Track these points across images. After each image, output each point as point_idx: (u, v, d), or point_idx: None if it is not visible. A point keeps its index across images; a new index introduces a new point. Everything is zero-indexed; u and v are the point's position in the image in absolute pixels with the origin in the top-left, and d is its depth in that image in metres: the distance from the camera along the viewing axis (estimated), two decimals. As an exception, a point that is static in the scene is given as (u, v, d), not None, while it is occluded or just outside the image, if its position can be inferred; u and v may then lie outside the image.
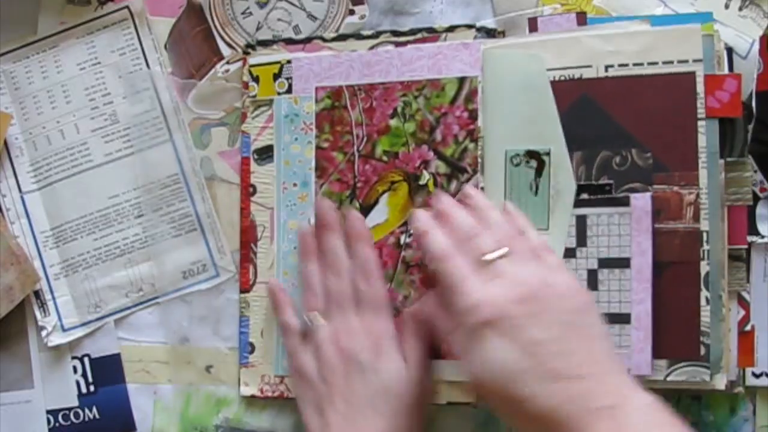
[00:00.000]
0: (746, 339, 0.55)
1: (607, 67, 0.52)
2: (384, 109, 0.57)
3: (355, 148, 0.58)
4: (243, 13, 0.60)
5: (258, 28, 0.60)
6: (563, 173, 0.53)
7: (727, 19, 0.57)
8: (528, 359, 0.42)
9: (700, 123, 0.51)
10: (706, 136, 0.51)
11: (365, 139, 0.58)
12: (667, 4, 0.58)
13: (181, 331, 0.60)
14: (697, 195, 0.51)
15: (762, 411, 0.56)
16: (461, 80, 0.56)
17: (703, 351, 0.51)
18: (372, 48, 0.58)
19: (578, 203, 0.53)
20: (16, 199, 0.60)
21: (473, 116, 0.55)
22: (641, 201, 0.51)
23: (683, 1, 0.58)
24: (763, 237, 0.55)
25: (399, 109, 0.57)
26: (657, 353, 0.51)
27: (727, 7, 0.57)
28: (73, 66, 0.61)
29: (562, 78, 0.53)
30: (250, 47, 0.60)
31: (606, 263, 0.52)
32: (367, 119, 0.58)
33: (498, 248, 0.46)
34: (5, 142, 0.60)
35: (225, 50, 0.60)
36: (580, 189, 0.52)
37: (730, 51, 0.55)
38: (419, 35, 0.58)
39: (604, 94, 0.52)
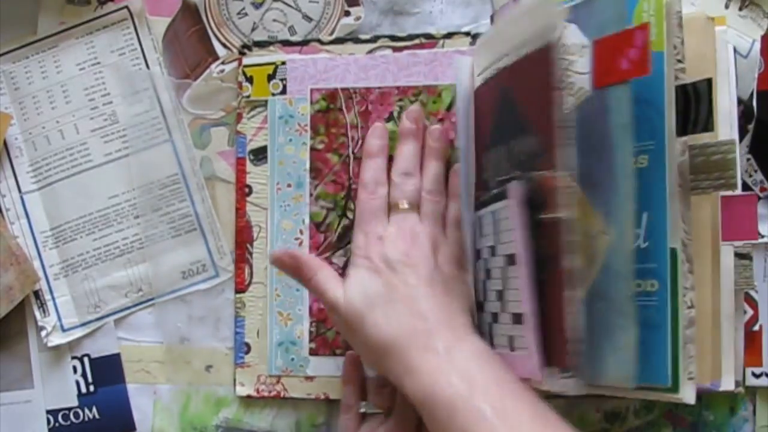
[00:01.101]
0: (753, 339, 0.54)
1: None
2: (380, 113, 0.58)
3: (350, 150, 0.58)
4: (238, 14, 0.60)
5: (253, 29, 0.60)
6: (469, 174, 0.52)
7: (728, 19, 0.57)
8: (386, 293, 0.49)
9: (555, 93, 0.44)
10: (614, 107, 0.43)
11: (360, 141, 0.58)
12: (667, 3, 0.58)
13: (181, 331, 0.60)
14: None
15: (762, 411, 0.56)
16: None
17: (569, 361, 0.44)
18: (369, 52, 0.58)
19: (480, 205, 0.51)
20: (15, 199, 0.60)
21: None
22: (513, 191, 0.46)
23: (683, 2, 0.58)
24: (763, 237, 0.55)
25: (395, 114, 0.58)
26: (549, 360, 0.45)
27: (727, 7, 0.57)
28: (73, 66, 0.61)
29: (489, 75, 0.51)
30: (246, 48, 0.60)
31: (508, 261, 0.47)
32: (362, 122, 0.58)
33: (407, 202, 0.53)
34: (5, 143, 0.60)
35: (220, 50, 0.60)
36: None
37: (733, 50, 0.55)
38: (417, 41, 0.58)
39: (509, 83, 0.49)
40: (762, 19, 0.57)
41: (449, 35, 0.58)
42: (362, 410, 0.55)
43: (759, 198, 0.56)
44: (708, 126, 0.44)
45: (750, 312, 0.55)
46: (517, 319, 0.46)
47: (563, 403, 0.57)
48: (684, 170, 0.44)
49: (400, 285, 0.49)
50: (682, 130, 0.44)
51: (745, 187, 0.56)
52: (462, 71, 0.53)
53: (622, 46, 0.43)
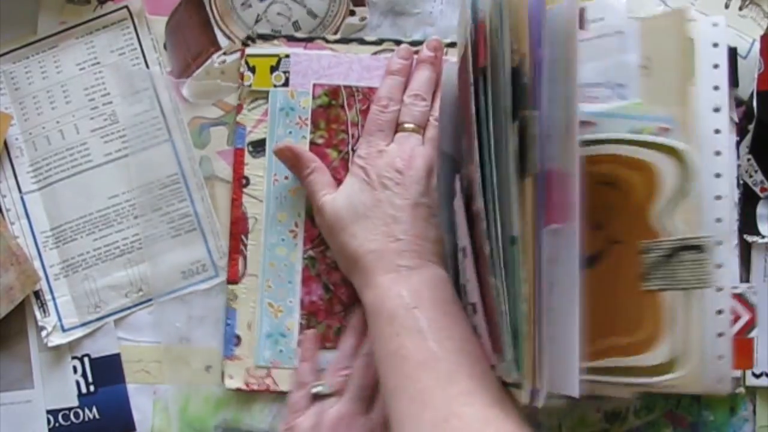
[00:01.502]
0: (745, 342, 0.54)
1: None
2: None
3: (350, 147, 0.58)
4: (243, 5, 0.60)
5: (257, 21, 0.60)
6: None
7: (727, 19, 0.57)
8: (372, 208, 0.52)
9: (470, 89, 0.45)
10: (474, 95, 0.45)
11: (360, 139, 0.58)
12: (666, 3, 0.58)
13: (180, 331, 0.60)
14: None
15: (762, 411, 0.56)
16: None
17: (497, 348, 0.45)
18: (374, 54, 0.59)
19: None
20: (16, 199, 0.60)
21: None
22: (457, 185, 0.50)
23: (683, 1, 0.58)
24: (763, 237, 0.55)
25: None
26: (493, 346, 0.46)
27: (727, 7, 0.57)
28: (73, 66, 0.61)
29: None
30: (250, 39, 0.60)
31: (463, 253, 0.49)
32: (363, 120, 0.58)
33: (413, 123, 0.55)
34: (5, 143, 0.60)
35: (223, 41, 0.60)
36: None
37: (733, 51, 0.55)
38: (420, 47, 0.58)
39: (458, 81, 0.52)
40: (762, 19, 0.57)
41: (453, 44, 0.58)
42: (314, 390, 0.55)
43: (759, 198, 0.56)
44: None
45: (746, 316, 0.55)
46: (473, 308, 0.48)
47: (564, 402, 0.57)
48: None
49: (386, 203, 0.52)
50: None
51: (746, 187, 0.56)
52: (449, 77, 0.55)
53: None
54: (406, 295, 0.49)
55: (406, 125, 0.55)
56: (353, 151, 0.58)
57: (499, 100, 0.43)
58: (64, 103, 0.61)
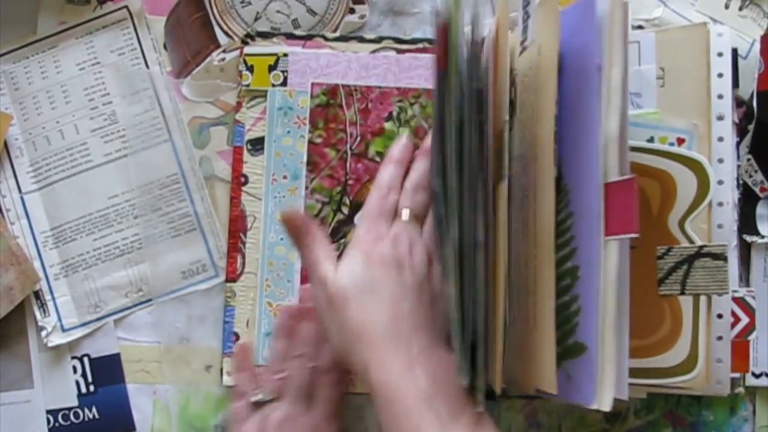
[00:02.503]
0: (742, 345, 0.54)
1: None
2: (379, 112, 0.58)
3: (348, 146, 0.58)
4: (242, 2, 0.60)
5: (256, 19, 0.60)
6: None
7: (727, 20, 0.57)
8: (377, 285, 0.49)
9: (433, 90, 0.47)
10: (437, 97, 0.46)
11: (359, 138, 0.58)
12: (667, 4, 0.58)
13: (180, 331, 0.60)
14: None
15: (762, 411, 0.56)
16: None
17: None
18: (373, 52, 0.59)
19: None
20: (15, 199, 0.60)
21: None
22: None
23: (683, 2, 0.58)
24: (763, 237, 0.55)
25: (394, 114, 0.58)
26: None
27: (727, 7, 0.57)
28: (73, 66, 0.61)
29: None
30: (249, 37, 0.60)
31: None
32: (361, 119, 0.58)
33: (413, 212, 0.53)
34: (5, 143, 0.60)
35: (222, 39, 0.60)
36: None
37: (734, 51, 0.55)
38: (420, 45, 0.58)
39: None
40: (762, 19, 0.57)
41: None
42: (254, 399, 0.56)
43: (759, 198, 0.56)
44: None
45: (745, 319, 0.55)
46: None
47: (564, 402, 0.57)
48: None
49: (391, 283, 0.50)
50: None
51: (746, 187, 0.56)
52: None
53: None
54: (423, 384, 0.46)
55: (405, 215, 0.53)
56: (352, 152, 0.58)
57: (462, 104, 0.43)
58: (64, 103, 0.61)
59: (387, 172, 0.55)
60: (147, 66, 0.61)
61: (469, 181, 0.43)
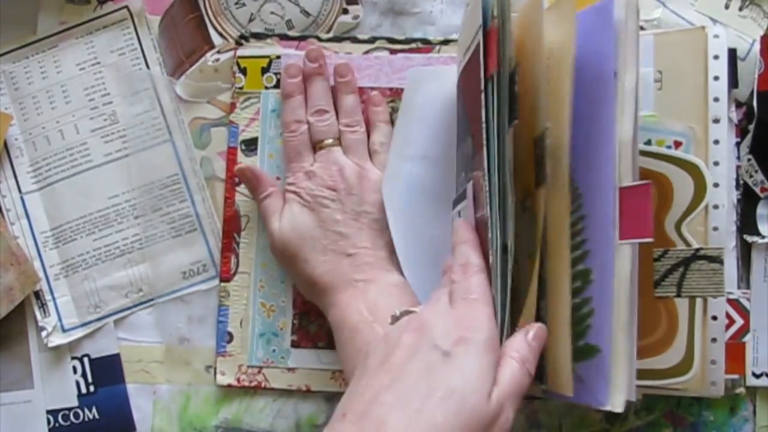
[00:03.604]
0: (737, 347, 0.55)
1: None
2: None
3: None
4: (236, 4, 0.60)
5: (251, 20, 0.60)
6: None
7: (728, 20, 0.57)
8: (316, 229, 0.54)
9: (481, 95, 0.45)
10: (485, 103, 0.45)
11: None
12: (666, 5, 0.58)
13: (181, 331, 0.60)
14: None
15: (762, 411, 0.56)
16: None
17: None
18: (366, 53, 0.59)
19: (454, 203, 0.52)
20: (16, 199, 0.60)
21: None
22: (468, 191, 0.48)
23: (683, 2, 0.58)
24: (763, 237, 0.55)
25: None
26: None
27: (727, 7, 0.57)
28: (73, 66, 0.61)
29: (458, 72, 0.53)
30: (243, 38, 0.60)
31: None
32: None
33: (328, 138, 0.56)
34: (5, 143, 0.60)
35: (216, 39, 0.60)
36: None
37: (733, 52, 0.55)
38: (414, 45, 0.58)
39: (459, 84, 0.52)
40: (762, 19, 0.57)
41: (446, 42, 0.58)
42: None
43: (759, 198, 0.56)
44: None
45: (740, 321, 0.55)
46: None
47: (564, 403, 0.57)
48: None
49: (327, 221, 0.53)
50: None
51: (746, 187, 0.56)
52: (422, 82, 0.56)
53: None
54: (365, 309, 0.51)
55: (324, 142, 0.56)
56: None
57: (502, 108, 0.43)
58: (64, 103, 0.61)
59: (287, 108, 0.57)
60: (147, 66, 0.61)
61: (506, 187, 0.43)
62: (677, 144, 0.52)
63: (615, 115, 0.43)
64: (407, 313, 0.44)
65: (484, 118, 0.43)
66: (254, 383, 0.58)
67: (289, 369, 0.58)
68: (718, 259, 0.48)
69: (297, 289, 0.58)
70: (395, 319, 0.44)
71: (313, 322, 0.58)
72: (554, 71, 0.45)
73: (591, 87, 0.44)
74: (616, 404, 0.42)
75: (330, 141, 0.56)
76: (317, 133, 0.56)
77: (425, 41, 0.59)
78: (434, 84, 0.56)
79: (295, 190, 0.55)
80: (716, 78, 0.53)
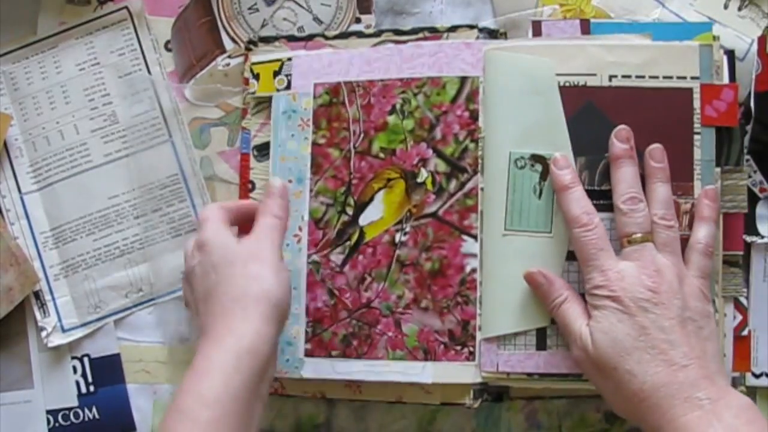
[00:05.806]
0: (743, 343, 0.55)
1: (611, 77, 0.53)
2: (382, 106, 0.57)
3: (352, 144, 0.57)
4: (250, 9, 0.60)
5: (263, 25, 0.60)
6: None
7: (726, 20, 0.57)
8: (639, 338, 0.46)
9: (696, 136, 0.52)
10: (702, 147, 0.52)
11: (362, 135, 0.57)
12: (665, 5, 0.58)
13: (181, 331, 0.60)
14: (692, 205, 0.51)
15: (762, 411, 0.56)
16: (462, 80, 0.56)
17: None
18: (374, 46, 0.58)
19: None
20: (15, 200, 0.60)
21: (474, 116, 0.55)
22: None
23: (682, 2, 0.58)
24: (763, 237, 0.55)
25: (398, 106, 0.57)
26: None
27: (726, 7, 0.57)
28: (73, 66, 0.61)
29: (567, 84, 0.53)
30: (252, 43, 0.60)
31: None
32: (364, 115, 0.57)
33: (640, 232, 0.49)
34: (5, 143, 0.60)
35: (228, 44, 0.60)
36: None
37: (731, 53, 0.55)
38: (421, 35, 0.57)
39: (607, 102, 0.53)
40: (761, 19, 0.57)
41: (453, 28, 0.57)
42: None
43: (759, 198, 0.56)
44: (739, 162, 0.54)
45: (739, 317, 0.55)
46: None
47: (564, 403, 0.57)
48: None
49: (652, 328, 0.46)
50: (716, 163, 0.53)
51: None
52: (494, 64, 0.55)
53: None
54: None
55: (634, 236, 0.49)
56: (355, 150, 0.57)
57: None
58: (64, 103, 0.61)
59: (572, 201, 0.51)
60: (147, 66, 0.61)
61: None
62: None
63: None
64: None
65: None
66: (270, 390, 0.56)
67: (303, 379, 0.56)
68: (736, 263, 0.54)
69: (309, 296, 0.56)
70: None
71: (326, 330, 0.56)
72: None
73: None
74: None
75: (641, 236, 0.49)
76: (629, 225, 0.49)
77: (432, 29, 0.57)
78: (521, 73, 0.54)
79: (609, 294, 0.48)
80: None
